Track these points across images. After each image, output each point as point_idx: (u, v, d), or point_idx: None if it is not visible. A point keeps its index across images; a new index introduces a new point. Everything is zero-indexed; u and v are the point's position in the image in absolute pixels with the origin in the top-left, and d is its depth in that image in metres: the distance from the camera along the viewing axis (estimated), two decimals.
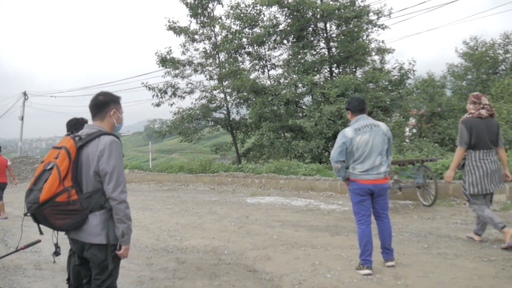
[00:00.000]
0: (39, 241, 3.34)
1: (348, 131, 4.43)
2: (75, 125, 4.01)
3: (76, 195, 2.58)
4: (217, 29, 19.44)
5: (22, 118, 30.23)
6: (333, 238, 6.01)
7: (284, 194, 10.72)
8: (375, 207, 4.51)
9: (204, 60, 20.05)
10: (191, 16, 19.56)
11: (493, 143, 5.08)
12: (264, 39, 17.81)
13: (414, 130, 22.10)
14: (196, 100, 20.11)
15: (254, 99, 16.95)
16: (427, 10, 13.38)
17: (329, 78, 17.23)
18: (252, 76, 18.21)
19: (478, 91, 20.85)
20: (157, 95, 19.60)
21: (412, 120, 21.56)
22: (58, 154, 2.59)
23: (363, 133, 4.36)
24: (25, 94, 30.87)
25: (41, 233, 2.76)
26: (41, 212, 2.48)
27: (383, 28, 16.74)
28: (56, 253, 2.96)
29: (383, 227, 4.53)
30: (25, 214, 2.54)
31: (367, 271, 4.31)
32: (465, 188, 5.17)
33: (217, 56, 19.85)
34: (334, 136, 15.41)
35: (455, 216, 6.92)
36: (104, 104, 2.83)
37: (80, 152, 2.66)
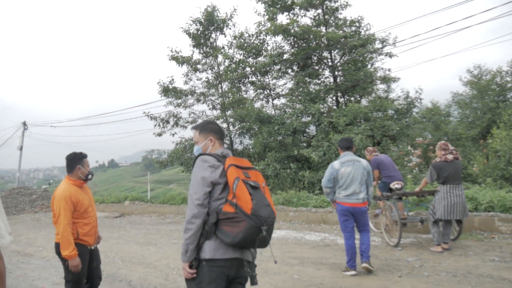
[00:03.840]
0: None
1: (335, 164, 5.76)
2: (72, 159, 4.07)
3: None
4: (220, 58, 19.30)
5: (21, 148, 29.68)
6: (361, 278, 5.48)
7: (295, 228, 10.17)
8: (357, 225, 5.73)
9: (207, 89, 19.82)
10: (193, 46, 19.45)
11: (458, 180, 6.66)
12: (268, 68, 17.64)
13: (418, 160, 21.72)
14: None
15: (258, 128, 16.58)
16: (427, 40, 13.24)
17: (334, 107, 16.95)
18: (256, 105, 17.94)
19: (486, 119, 20.97)
20: (159, 125, 19.25)
21: (414, 150, 21.21)
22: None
23: (347, 166, 5.65)
24: (24, 124, 30.45)
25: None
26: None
27: (390, 56, 16.58)
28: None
29: (364, 239, 5.71)
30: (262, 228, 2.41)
31: (353, 272, 5.57)
32: (433, 211, 6.82)
33: (220, 85, 19.63)
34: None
35: (489, 252, 6.41)
36: None
37: None
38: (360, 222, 5.69)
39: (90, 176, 4.10)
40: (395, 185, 7.76)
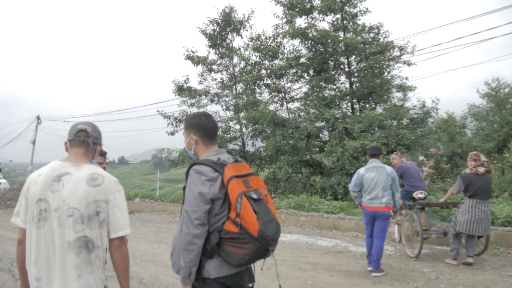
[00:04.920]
0: None
1: (361, 170, 6.24)
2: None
3: None
4: (235, 60, 19.31)
5: (34, 142, 30.00)
6: (376, 287, 5.38)
7: (306, 232, 10.08)
8: (375, 228, 6.01)
9: (221, 90, 19.84)
10: (209, 46, 19.51)
11: (487, 195, 6.37)
12: (284, 72, 17.60)
13: (430, 170, 21.46)
14: None
15: (271, 131, 16.52)
16: (448, 49, 13.08)
17: (349, 113, 16.84)
18: (270, 108, 17.92)
19: (503, 133, 20.63)
20: (172, 124, 19.31)
21: (427, 160, 20.94)
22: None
23: (371, 172, 6.07)
24: (38, 118, 30.77)
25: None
26: None
27: (408, 65, 16.42)
28: None
29: (377, 245, 5.93)
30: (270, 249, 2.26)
31: (370, 268, 6.01)
32: (455, 223, 6.52)
33: (234, 87, 19.63)
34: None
35: (506, 268, 6.26)
36: None
37: None
38: (379, 225, 5.96)
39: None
40: (418, 194, 7.52)
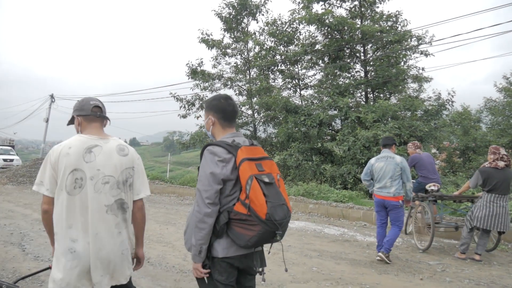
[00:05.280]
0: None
1: (372, 159, 6.45)
2: None
3: None
4: (250, 44, 19.19)
5: (47, 120, 30.34)
6: (382, 277, 5.38)
7: (314, 220, 10.09)
8: (390, 217, 6.19)
9: (234, 75, 19.77)
10: (224, 30, 19.36)
11: (506, 190, 6.12)
12: (298, 58, 17.44)
13: (442, 164, 21.21)
14: None
15: (284, 118, 16.44)
16: (468, 40, 12.82)
17: (362, 103, 16.67)
18: (284, 94, 17.83)
19: None
20: (184, 107, 19.33)
21: (439, 153, 20.66)
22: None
23: (380, 161, 6.24)
24: (52, 96, 31.05)
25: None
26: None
27: (426, 55, 16.12)
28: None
29: (392, 232, 6.07)
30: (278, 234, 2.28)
31: (379, 256, 6.08)
32: (471, 218, 6.34)
33: (248, 71, 19.54)
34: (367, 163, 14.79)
35: None
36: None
37: None
38: (392, 216, 6.11)
39: None
40: (431, 186, 7.40)
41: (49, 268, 2.66)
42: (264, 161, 2.41)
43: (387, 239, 6.03)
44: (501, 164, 6.16)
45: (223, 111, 2.57)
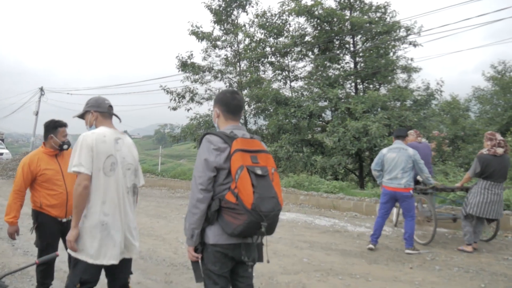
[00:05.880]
0: (56, 255, 2.82)
1: (384, 150, 6.41)
2: (46, 127, 3.93)
3: None
4: (240, 36, 19.08)
5: (37, 114, 30.06)
6: (371, 266, 5.43)
7: (305, 211, 10.13)
8: (402, 210, 6.29)
9: (225, 67, 19.68)
10: (215, 22, 19.21)
11: (503, 178, 6.05)
12: (288, 50, 17.41)
13: (432, 153, 21.36)
14: None
15: (274, 109, 16.44)
16: (455, 30, 12.80)
17: (352, 93, 16.72)
18: (274, 86, 17.80)
19: (507, 117, 20.41)
20: (174, 99, 19.22)
21: (429, 142, 20.76)
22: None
23: (392, 152, 6.22)
24: (41, 89, 30.73)
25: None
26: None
27: (414, 46, 16.20)
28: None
29: (407, 224, 6.12)
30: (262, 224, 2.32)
31: (371, 246, 6.22)
32: (466, 205, 6.24)
33: (238, 64, 19.46)
34: (357, 154, 14.86)
35: (502, 251, 6.29)
36: None
37: None
38: (403, 207, 6.18)
39: (65, 146, 3.94)
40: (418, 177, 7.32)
41: (36, 264, 2.65)
42: (260, 154, 2.48)
43: (406, 235, 6.06)
44: (500, 150, 6.00)
45: (227, 104, 2.69)
